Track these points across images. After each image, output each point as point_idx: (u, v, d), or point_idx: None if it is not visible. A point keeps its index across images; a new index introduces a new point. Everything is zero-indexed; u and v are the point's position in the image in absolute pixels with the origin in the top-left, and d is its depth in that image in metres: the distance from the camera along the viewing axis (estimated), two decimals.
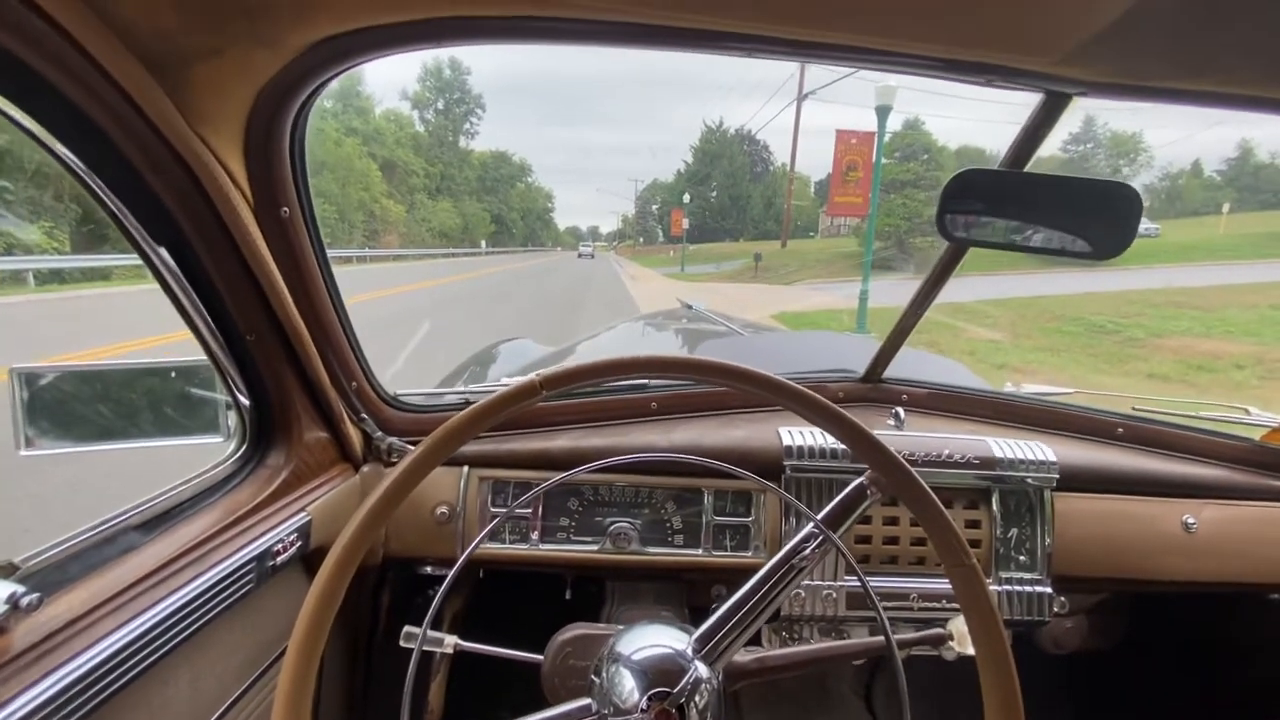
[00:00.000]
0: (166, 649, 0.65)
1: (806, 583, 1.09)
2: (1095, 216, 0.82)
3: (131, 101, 0.54)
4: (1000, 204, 0.85)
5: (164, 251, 0.66)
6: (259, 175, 0.70)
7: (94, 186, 0.58)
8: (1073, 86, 0.76)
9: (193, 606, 0.68)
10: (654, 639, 0.63)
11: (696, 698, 0.59)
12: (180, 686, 0.70)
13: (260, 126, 0.66)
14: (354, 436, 1.02)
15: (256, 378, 0.83)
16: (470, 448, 1.10)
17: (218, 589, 0.71)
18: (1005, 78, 0.73)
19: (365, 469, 1.04)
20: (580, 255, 53.58)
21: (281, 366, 0.84)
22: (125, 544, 0.68)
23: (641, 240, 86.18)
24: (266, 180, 0.70)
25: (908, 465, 0.61)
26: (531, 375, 0.60)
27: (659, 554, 1.09)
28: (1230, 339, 10.26)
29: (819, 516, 0.67)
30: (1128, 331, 10.90)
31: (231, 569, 0.73)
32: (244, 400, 0.85)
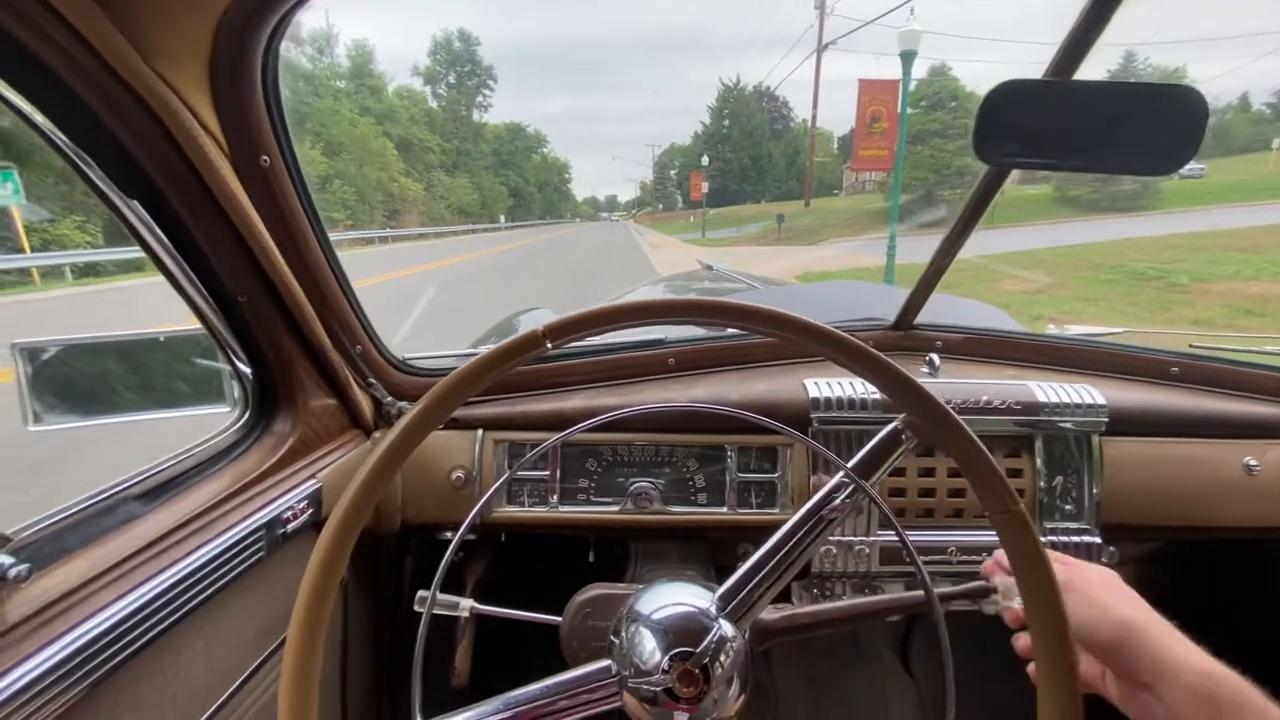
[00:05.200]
0: (175, 618, 0.63)
1: (838, 538, 1.05)
2: (1154, 125, 0.73)
3: (76, 33, 0.49)
4: (1046, 118, 0.76)
5: (138, 205, 0.62)
6: (231, 120, 0.65)
7: (48, 133, 0.54)
8: None
9: (200, 575, 0.66)
10: (675, 597, 0.60)
11: (721, 657, 0.55)
12: (195, 654, 0.69)
13: (225, 64, 0.61)
14: (363, 402, 0.99)
15: (254, 343, 0.80)
16: (483, 410, 1.07)
17: (226, 557, 0.70)
18: None
19: (376, 435, 1.02)
20: (613, 222, 79.65)
21: (278, 330, 0.80)
22: (126, 514, 0.66)
23: (660, 207, 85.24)
24: (240, 126, 0.66)
25: (946, 406, 0.55)
26: (536, 325, 0.55)
27: (682, 513, 1.05)
28: None
29: (850, 464, 0.62)
30: (1170, 277, 10.44)
31: (239, 537, 0.72)
32: (243, 367, 0.82)
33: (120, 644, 0.57)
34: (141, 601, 0.60)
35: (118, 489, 0.67)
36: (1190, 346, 1.21)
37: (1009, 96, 0.75)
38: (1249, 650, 1.37)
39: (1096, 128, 0.75)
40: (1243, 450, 1.07)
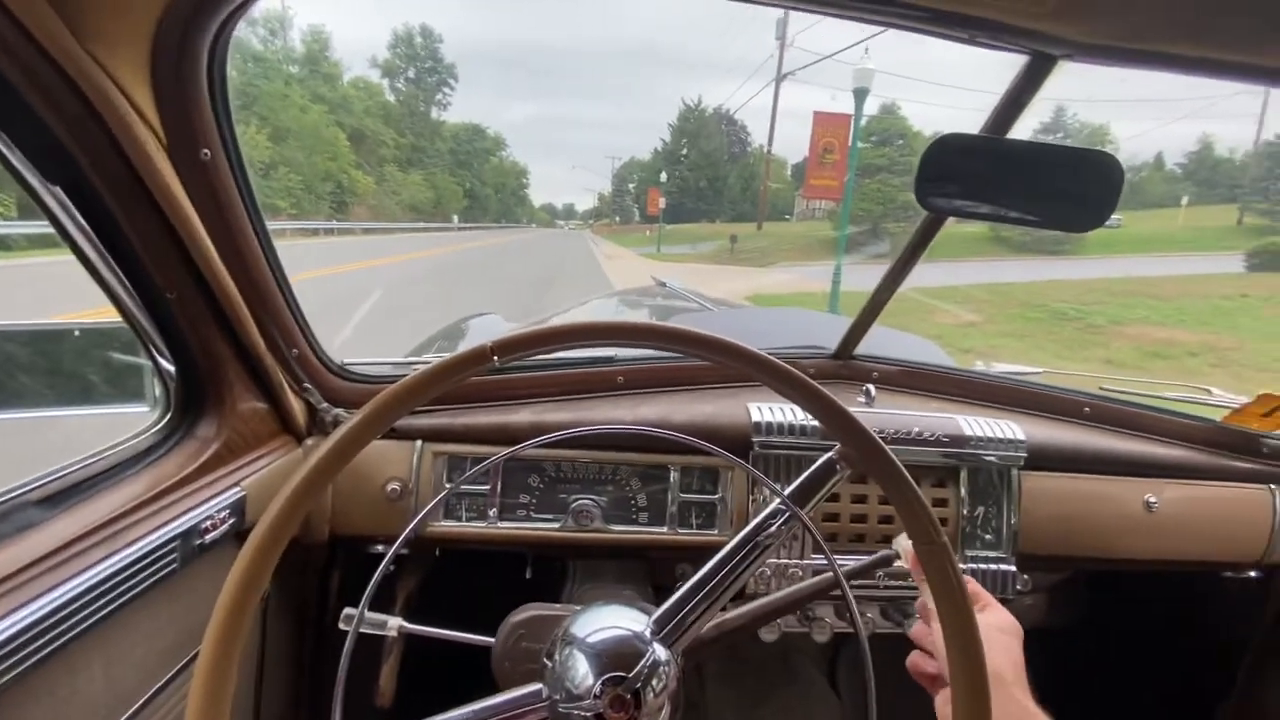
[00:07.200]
0: (72, 635, 0.59)
1: (772, 561, 1.07)
2: (1076, 185, 0.78)
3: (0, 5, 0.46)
4: (981, 171, 0.81)
5: (59, 191, 0.58)
6: (171, 110, 0.62)
7: None
8: (1059, 47, 0.72)
9: (104, 588, 0.62)
10: (611, 620, 0.60)
11: (654, 681, 0.55)
12: (93, 675, 0.64)
13: (168, 51, 0.58)
14: (296, 408, 0.95)
15: (181, 341, 0.76)
16: (425, 421, 1.04)
17: (134, 569, 0.65)
18: (989, 33, 0.69)
19: (309, 442, 0.98)
20: (569, 230, 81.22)
21: (208, 329, 0.76)
22: (23, 520, 0.61)
23: (617, 219, 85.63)
24: (181, 116, 0.62)
25: (879, 440, 0.58)
26: (484, 341, 0.55)
27: (623, 532, 1.05)
28: (1184, 328, 10.63)
29: (786, 492, 0.64)
30: (1089, 318, 11.21)
31: (151, 548, 0.67)
32: (167, 365, 0.78)
33: (8, 664, 0.53)
34: (35, 618, 0.55)
35: (15, 493, 0.62)
36: (1100, 389, 1.30)
37: (949, 149, 0.80)
38: (1147, 669, 1.46)
39: (1025, 184, 0.80)
40: (1144, 488, 1.15)
